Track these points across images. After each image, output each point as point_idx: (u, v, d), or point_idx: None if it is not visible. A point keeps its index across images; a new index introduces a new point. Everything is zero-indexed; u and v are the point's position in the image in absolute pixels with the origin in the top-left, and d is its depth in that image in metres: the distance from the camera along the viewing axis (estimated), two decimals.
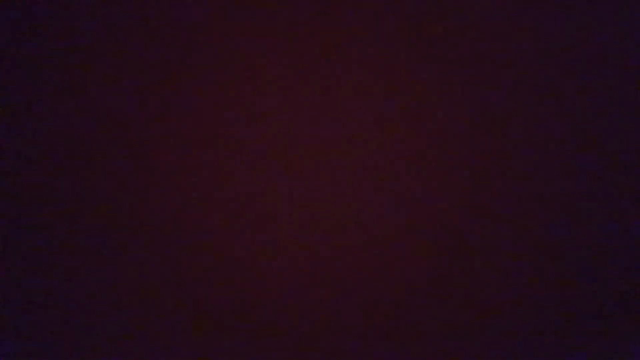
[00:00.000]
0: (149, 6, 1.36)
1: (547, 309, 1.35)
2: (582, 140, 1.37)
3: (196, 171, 1.35)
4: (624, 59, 1.37)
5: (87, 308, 1.34)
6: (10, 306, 1.33)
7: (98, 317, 1.33)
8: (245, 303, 1.34)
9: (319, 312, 1.34)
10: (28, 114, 1.35)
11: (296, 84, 1.36)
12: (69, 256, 1.34)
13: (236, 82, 1.36)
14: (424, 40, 1.36)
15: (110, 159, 1.34)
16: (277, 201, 1.35)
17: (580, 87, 1.37)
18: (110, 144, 1.35)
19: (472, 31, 1.36)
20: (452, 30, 1.36)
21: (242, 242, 1.35)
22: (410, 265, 1.35)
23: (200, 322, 1.34)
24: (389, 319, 1.34)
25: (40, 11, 1.35)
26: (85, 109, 1.35)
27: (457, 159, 1.36)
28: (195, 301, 1.34)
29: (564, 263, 1.36)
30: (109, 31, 1.35)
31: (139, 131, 1.35)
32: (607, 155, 1.37)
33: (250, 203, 1.35)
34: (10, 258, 1.33)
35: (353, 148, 1.36)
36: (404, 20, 1.36)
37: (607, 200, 1.37)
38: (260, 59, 1.36)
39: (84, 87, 1.35)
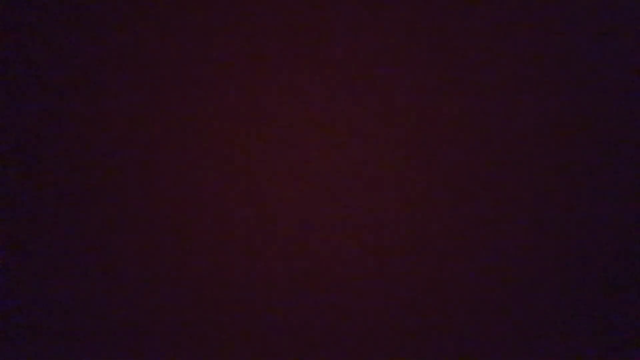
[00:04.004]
0: (151, 7, 1.36)
1: (547, 310, 1.36)
2: (583, 142, 1.37)
3: (197, 171, 1.35)
4: (624, 60, 1.38)
5: (87, 308, 1.33)
6: (10, 306, 1.33)
7: (98, 317, 1.33)
8: (246, 303, 1.34)
9: (320, 313, 1.34)
10: (29, 114, 1.34)
11: (298, 85, 1.36)
12: (69, 256, 1.34)
13: (237, 84, 1.36)
14: (426, 41, 1.36)
15: (111, 159, 1.34)
16: (278, 202, 1.35)
17: (582, 88, 1.38)
18: (111, 145, 1.35)
19: (473, 32, 1.37)
20: (453, 30, 1.36)
21: (243, 242, 1.35)
22: (412, 265, 1.35)
23: (200, 322, 1.34)
24: (390, 320, 1.35)
25: (41, 11, 1.35)
26: (86, 109, 1.35)
27: (461, 161, 1.36)
28: (196, 301, 1.34)
29: (565, 264, 1.36)
30: (111, 32, 1.35)
31: (139, 132, 1.35)
32: (608, 156, 1.37)
33: (252, 203, 1.35)
34: (10, 258, 1.33)
35: (355, 149, 1.36)
36: (405, 20, 1.36)
37: (607, 201, 1.37)
38: (262, 59, 1.36)
39: (85, 87, 1.35)
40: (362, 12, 1.36)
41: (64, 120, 1.34)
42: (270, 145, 1.35)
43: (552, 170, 1.37)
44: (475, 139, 1.36)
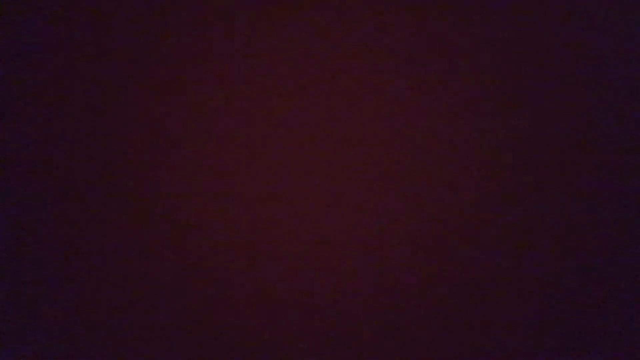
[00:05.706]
0: (152, 7, 1.36)
1: (547, 310, 1.36)
2: (582, 142, 1.37)
3: (199, 171, 1.35)
4: (624, 60, 1.38)
5: (88, 308, 1.34)
6: (10, 306, 1.33)
7: (99, 317, 1.33)
8: (246, 304, 1.34)
9: (320, 314, 1.34)
10: (29, 114, 1.35)
11: (300, 87, 1.36)
12: (70, 256, 1.34)
13: (238, 85, 1.36)
14: (427, 41, 1.37)
15: (113, 159, 1.34)
16: (279, 202, 1.35)
17: (582, 89, 1.38)
18: (113, 145, 1.35)
19: (474, 33, 1.37)
20: (454, 32, 1.36)
21: (244, 243, 1.35)
22: (411, 266, 1.35)
23: (200, 322, 1.34)
24: (389, 321, 1.35)
25: (42, 11, 1.35)
26: (88, 109, 1.35)
27: (461, 161, 1.36)
28: (196, 303, 1.34)
29: (565, 264, 1.36)
30: (113, 32, 1.35)
31: (140, 132, 1.35)
32: (608, 157, 1.37)
33: (253, 204, 1.35)
34: (10, 258, 1.33)
35: (356, 150, 1.36)
36: (406, 21, 1.37)
37: (607, 201, 1.37)
38: (263, 60, 1.36)
39: (87, 87, 1.35)
40: (364, 13, 1.36)
41: (63, 120, 1.35)
42: (272, 146, 1.36)
43: (559, 173, 1.37)
44: (479, 140, 1.36)
